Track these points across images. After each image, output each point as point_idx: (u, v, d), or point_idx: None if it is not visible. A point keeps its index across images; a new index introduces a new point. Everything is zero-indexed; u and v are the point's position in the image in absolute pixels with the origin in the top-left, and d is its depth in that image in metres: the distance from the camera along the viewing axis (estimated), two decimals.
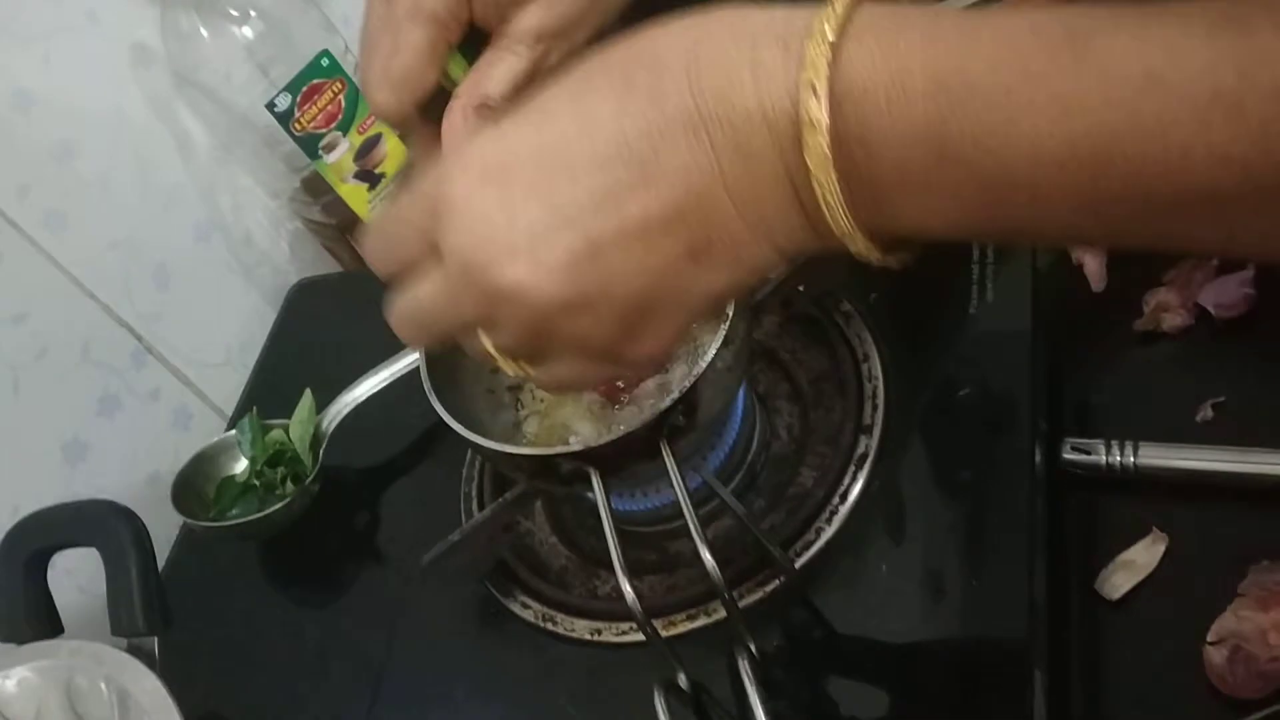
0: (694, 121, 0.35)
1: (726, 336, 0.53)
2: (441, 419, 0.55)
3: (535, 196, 0.37)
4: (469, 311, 0.40)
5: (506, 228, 0.37)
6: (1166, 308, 0.65)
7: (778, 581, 0.54)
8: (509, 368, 0.41)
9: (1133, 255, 0.68)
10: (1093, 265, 0.69)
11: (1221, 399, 0.61)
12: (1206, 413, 0.61)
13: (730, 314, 0.53)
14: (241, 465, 0.72)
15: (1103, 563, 0.59)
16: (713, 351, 0.52)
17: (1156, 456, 0.60)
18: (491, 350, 0.41)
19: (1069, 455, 0.61)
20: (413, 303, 0.41)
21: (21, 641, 0.53)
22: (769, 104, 0.35)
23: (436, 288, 0.40)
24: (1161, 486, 0.60)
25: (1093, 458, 0.61)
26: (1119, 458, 0.60)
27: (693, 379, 0.51)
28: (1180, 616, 0.55)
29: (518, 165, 0.38)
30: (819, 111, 0.33)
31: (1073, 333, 0.68)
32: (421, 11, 0.44)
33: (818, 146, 0.34)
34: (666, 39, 0.37)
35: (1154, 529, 0.59)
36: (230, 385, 0.83)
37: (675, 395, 0.51)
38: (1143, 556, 0.58)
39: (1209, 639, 0.54)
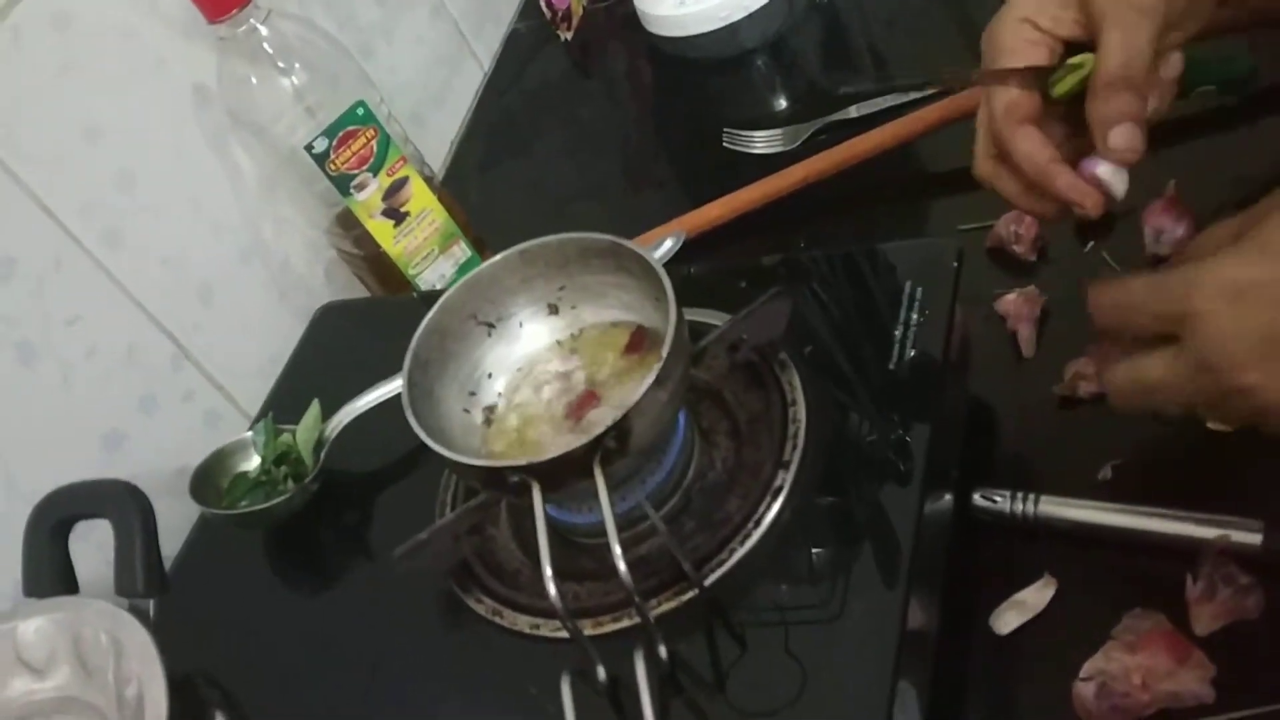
0: None
1: (659, 376, 0.60)
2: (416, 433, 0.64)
3: (1264, 322, 0.48)
4: (1195, 398, 0.52)
5: (1242, 342, 0.48)
6: (1084, 376, 0.70)
7: (692, 593, 0.61)
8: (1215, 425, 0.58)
9: (1061, 328, 0.75)
10: (1025, 333, 0.75)
11: (1120, 461, 0.67)
12: (1106, 472, 0.67)
13: (665, 355, 0.61)
14: (255, 463, 0.79)
15: (1000, 601, 0.65)
16: (644, 388, 0.59)
17: (1055, 508, 0.66)
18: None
19: (978, 502, 0.67)
20: (1140, 377, 0.53)
21: (43, 596, 0.62)
22: None
23: (1168, 372, 0.51)
24: (1058, 535, 0.65)
25: (999, 506, 0.67)
26: (1022, 507, 0.66)
27: (623, 410, 0.59)
28: (1059, 654, 0.60)
29: (1253, 292, 0.48)
30: None
31: (1002, 393, 0.75)
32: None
33: None
34: None
35: (1046, 574, 0.64)
36: (258, 392, 0.89)
37: (608, 424, 0.59)
38: (1033, 598, 0.64)
39: (1080, 675, 0.59)
